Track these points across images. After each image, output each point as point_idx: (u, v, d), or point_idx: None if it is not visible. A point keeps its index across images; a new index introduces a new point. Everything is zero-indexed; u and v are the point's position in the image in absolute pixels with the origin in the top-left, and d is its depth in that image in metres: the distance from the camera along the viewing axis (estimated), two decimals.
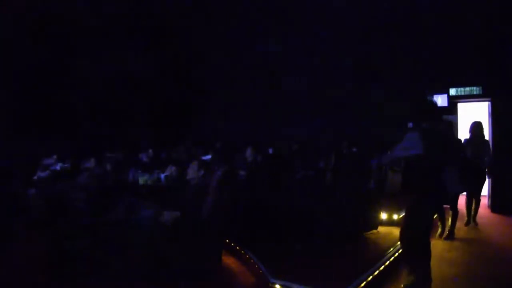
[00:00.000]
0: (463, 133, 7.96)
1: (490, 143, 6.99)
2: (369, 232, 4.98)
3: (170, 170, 5.65)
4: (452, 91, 7.30)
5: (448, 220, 5.13)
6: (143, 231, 3.59)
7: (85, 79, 8.58)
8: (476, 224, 5.67)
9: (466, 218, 5.63)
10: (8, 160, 6.58)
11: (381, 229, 5.05)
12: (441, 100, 7.41)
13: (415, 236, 3.10)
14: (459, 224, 5.81)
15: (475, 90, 7.10)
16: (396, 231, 4.94)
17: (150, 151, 7.89)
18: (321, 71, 8.58)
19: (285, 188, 5.10)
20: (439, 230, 5.09)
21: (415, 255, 3.11)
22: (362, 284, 3.17)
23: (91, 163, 6.19)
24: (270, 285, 3.24)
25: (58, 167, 6.80)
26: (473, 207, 5.63)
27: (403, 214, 5.39)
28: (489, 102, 7.01)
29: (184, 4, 10.00)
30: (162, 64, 10.27)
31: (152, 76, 10.22)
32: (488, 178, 5.65)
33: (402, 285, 3.17)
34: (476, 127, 5.46)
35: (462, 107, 7.55)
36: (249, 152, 6.40)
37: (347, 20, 8.15)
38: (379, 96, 7.75)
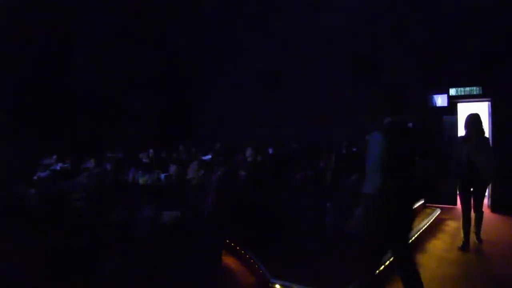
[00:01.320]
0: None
1: (490, 143, 7.02)
2: None
3: (171, 170, 5.64)
4: (452, 91, 7.30)
5: None
6: (143, 231, 3.59)
7: (85, 79, 8.58)
8: (480, 241, 4.61)
9: (462, 236, 4.50)
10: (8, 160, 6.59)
11: None
12: (441, 100, 7.41)
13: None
14: (459, 224, 5.82)
15: (475, 90, 7.10)
16: None
17: (151, 151, 7.88)
18: (321, 71, 8.58)
19: (285, 188, 5.10)
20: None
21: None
22: None
23: (91, 163, 6.20)
24: (270, 285, 3.23)
25: (58, 167, 6.80)
26: (472, 223, 4.53)
27: None
28: (489, 102, 7.01)
29: (184, 4, 10.00)
30: (162, 64, 10.28)
31: (152, 76, 10.23)
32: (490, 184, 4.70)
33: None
34: (473, 121, 4.45)
35: (462, 107, 7.55)
36: (249, 152, 6.40)
37: (347, 20, 8.15)
38: (379, 96, 7.74)
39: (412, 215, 2.81)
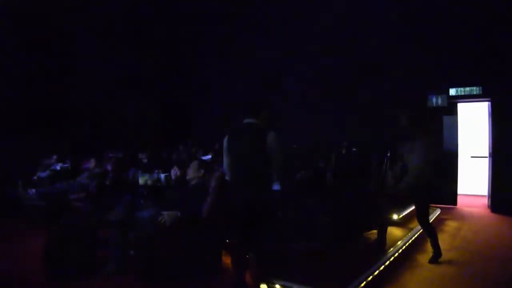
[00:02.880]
0: (464, 134, 8.03)
1: (490, 143, 7.04)
2: (369, 232, 4.97)
3: (174, 170, 5.63)
4: (452, 91, 7.31)
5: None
6: (143, 231, 3.59)
7: (85, 79, 8.58)
8: (434, 261, 3.88)
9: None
10: (8, 160, 6.60)
11: None
12: (441, 100, 7.42)
13: None
14: (459, 224, 5.83)
15: (475, 90, 7.10)
16: (396, 231, 4.96)
17: (150, 151, 7.87)
18: (320, 71, 8.58)
19: (284, 188, 5.09)
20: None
21: None
22: (362, 284, 3.17)
23: (91, 163, 6.20)
24: (270, 285, 3.23)
25: (58, 167, 6.80)
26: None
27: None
28: (489, 102, 7.02)
29: (183, 5, 10.01)
30: (162, 64, 10.29)
31: (152, 76, 10.24)
32: (413, 200, 3.82)
33: None
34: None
35: (462, 107, 7.56)
36: None
37: (346, 19, 8.16)
38: (378, 96, 7.75)
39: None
